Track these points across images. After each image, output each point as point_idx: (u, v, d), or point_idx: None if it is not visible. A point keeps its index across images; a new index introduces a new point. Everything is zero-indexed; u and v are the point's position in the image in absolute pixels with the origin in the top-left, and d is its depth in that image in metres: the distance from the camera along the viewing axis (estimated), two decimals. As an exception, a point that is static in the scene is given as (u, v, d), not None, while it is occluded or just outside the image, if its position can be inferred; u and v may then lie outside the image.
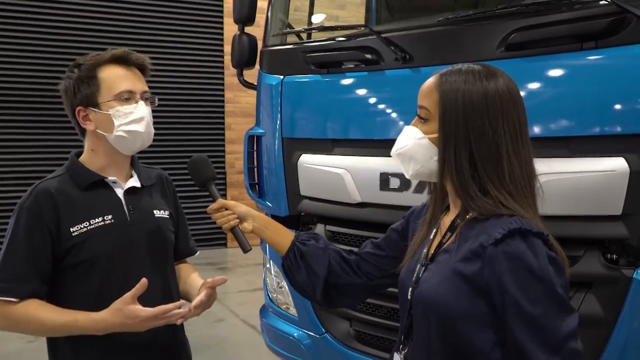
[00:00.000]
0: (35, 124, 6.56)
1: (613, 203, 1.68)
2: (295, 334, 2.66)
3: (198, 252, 1.85)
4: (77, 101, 1.54)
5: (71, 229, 1.48)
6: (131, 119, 1.52)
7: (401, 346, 1.28)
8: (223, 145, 7.75)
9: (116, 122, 1.52)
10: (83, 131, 1.58)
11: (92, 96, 1.52)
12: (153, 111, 1.60)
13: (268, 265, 2.88)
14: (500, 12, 1.94)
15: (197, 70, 7.44)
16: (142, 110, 1.54)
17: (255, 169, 2.85)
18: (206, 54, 7.52)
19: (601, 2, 1.75)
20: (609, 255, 1.76)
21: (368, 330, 2.43)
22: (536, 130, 1.80)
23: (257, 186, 2.86)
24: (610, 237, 1.74)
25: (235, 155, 7.69)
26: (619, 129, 1.69)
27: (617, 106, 1.70)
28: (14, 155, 6.51)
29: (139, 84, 1.57)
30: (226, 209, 1.51)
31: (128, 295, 1.39)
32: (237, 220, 1.51)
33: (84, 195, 1.53)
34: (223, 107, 7.74)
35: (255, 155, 2.84)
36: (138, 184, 1.62)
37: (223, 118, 7.76)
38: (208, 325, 4.63)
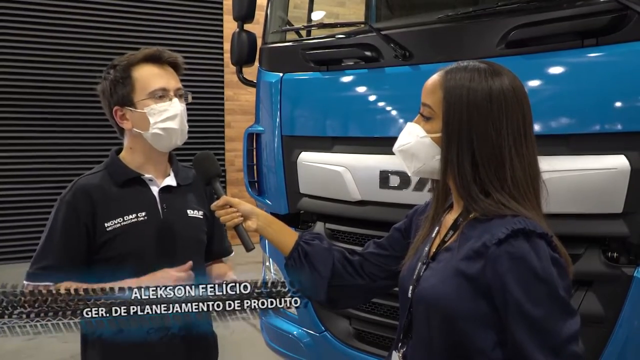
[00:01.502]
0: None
1: (614, 201, 1.67)
2: (295, 333, 2.65)
3: (233, 253, 1.84)
4: (114, 101, 1.58)
5: (106, 224, 1.52)
6: (166, 117, 1.56)
7: (400, 344, 1.27)
8: (223, 143, 7.73)
9: (151, 120, 1.55)
10: (122, 130, 1.63)
11: (127, 96, 1.56)
12: None
13: (267, 264, 2.88)
14: (500, 9, 1.93)
15: (197, 68, 7.40)
16: (176, 107, 1.58)
17: (255, 167, 2.85)
18: (206, 51, 7.49)
19: (602, -1, 1.74)
20: (609, 254, 1.75)
21: (367, 329, 2.42)
22: (536, 127, 1.77)
23: (256, 184, 2.85)
24: (610, 235, 1.74)
25: (235, 153, 7.67)
26: (619, 126, 1.69)
27: (618, 103, 1.69)
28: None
29: (172, 81, 1.60)
30: (230, 207, 1.48)
31: (170, 269, 1.46)
32: (241, 218, 1.47)
33: (120, 192, 1.57)
34: (223, 104, 7.71)
35: (254, 153, 2.83)
36: (174, 183, 1.65)
37: (223, 116, 7.73)
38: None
